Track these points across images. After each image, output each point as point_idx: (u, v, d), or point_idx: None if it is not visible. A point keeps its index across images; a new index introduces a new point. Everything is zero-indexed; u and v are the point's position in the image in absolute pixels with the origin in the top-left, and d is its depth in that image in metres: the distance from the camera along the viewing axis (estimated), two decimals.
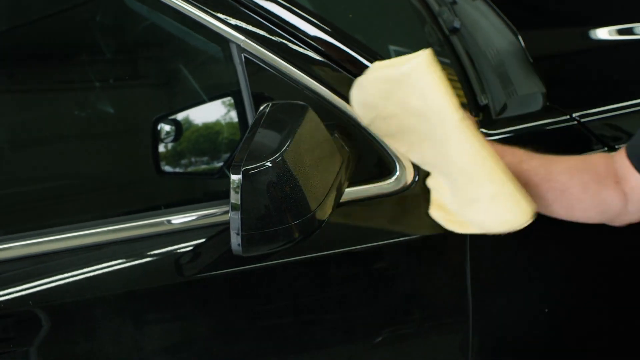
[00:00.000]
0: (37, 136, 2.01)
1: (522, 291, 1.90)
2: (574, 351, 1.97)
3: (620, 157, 1.64)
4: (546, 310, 1.90)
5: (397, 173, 1.78)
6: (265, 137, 1.55)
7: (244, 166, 1.48)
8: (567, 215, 1.68)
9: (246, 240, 1.52)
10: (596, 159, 1.68)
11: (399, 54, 2.20)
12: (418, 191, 1.78)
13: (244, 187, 1.49)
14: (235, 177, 1.48)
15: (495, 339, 1.93)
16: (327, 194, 1.61)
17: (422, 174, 1.77)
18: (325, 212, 1.61)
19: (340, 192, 1.65)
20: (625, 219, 1.67)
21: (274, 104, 1.64)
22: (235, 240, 1.52)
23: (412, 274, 1.83)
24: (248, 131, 1.57)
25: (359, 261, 1.77)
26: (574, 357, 2.00)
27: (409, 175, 1.78)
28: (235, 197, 1.49)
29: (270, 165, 1.50)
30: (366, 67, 1.76)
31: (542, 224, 1.73)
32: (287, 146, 1.54)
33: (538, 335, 1.93)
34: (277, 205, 1.53)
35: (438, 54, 2.16)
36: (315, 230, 1.61)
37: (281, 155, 1.52)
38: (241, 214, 1.50)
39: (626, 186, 1.63)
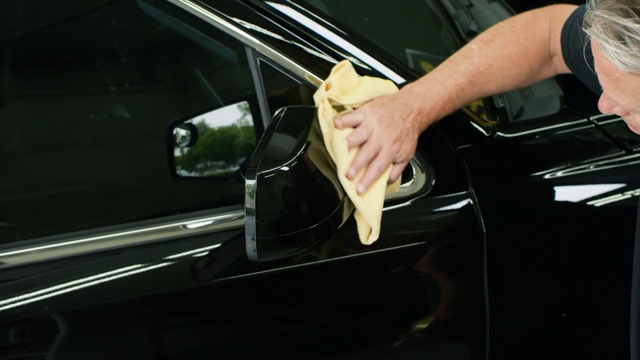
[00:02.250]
0: (53, 141, 2.01)
1: (539, 296, 1.88)
2: (593, 356, 1.96)
3: (555, 39, 1.69)
4: (564, 314, 1.89)
5: (413, 177, 1.77)
6: (281, 141, 1.55)
7: (259, 171, 1.48)
8: None
9: (261, 246, 1.51)
10: (533, 54, 1.71)
11: (415, 57, 2.20)
12: (434, 195, 1.78)
13: (259, 191, 1.48)
14: (250, 182, 1.48)
15: (512, 345, 1.91)
16: (342, 199, 1.60)
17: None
18: (341, 217, 1.60)
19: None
20: None
21: (289, 108, 1.64)
22: (250, 246, 1.52)
23: (428, 279, 1.83)
24: (263, 136, 1.57)
25: (375, 266, 1.76)
26: None
27: (425, 180, 1.77)
28: (250, 202, 1.49)
29: (286, 170, 1.50)
30: (381, 73, 1.77)
31: (563, 229, 1.74)
32: (303, 151, 1.53)
33: (556, 341, 1.92)
34: (292, 210, 1.53)
35: None
36: (331, 235, 1.61)
37: (296, 160, 1.51)
38: (256, 218, 1.49)
39: (558, 64, 1.73)
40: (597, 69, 1.23)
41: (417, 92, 1.66)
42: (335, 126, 1.61)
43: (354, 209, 1.64)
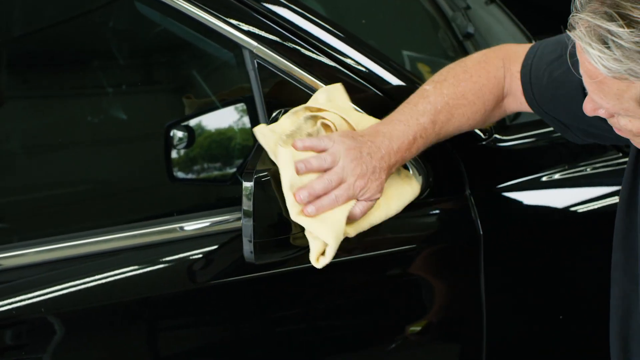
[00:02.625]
0: (50, 142, 2.01)
1: (536, 298, 1.89)
2: (589, 358, 1.96)
3: (512, 80, 1.68)
4: (561, 317, 1.89)
5: None
6: None
7: (256, 173, 1.48)
8: None
9: (258, 248, 1.51)
10: (489, 92, 1.68)
11: (412, 59, 2.20)
12: (431, 198, 1.78)
13: (256, 194, 1.48)
14: (247, 184, 1.48)
15: (509, 347, 1.92)
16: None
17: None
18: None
19: None
20: None
21: (287, 110, 1.64)
22: (247, 248, 1.52)
23: (426, 281, 1.83)
24: None
25: (372, 268, 1.76)
26: None
27: (422, 182, 1.77)
28: (247, 204, 1.49)
29: None
30: (378, 75, 1.77)
31: (559, 231, 1.74)
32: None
33: (552, 343, 1.92)
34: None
35: (451, 59, 2.16)
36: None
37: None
38: (254, 221, 1.49)
39: (508, 106, 1.72)
40: (581, 71, 1.23)
41: (383, 131, 1.60)
42: (294, 146, 1.55)
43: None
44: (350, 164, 1.52)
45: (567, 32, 1.19)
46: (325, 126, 1.62)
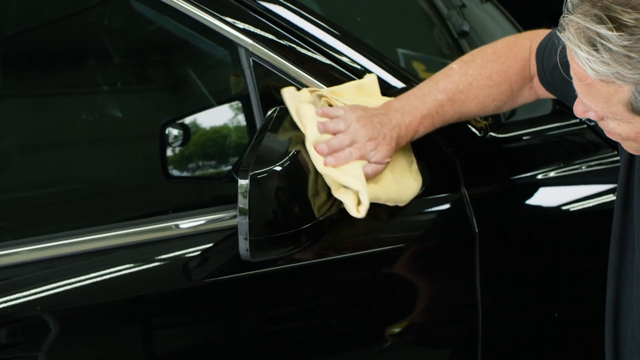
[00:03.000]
0: (45, 140, 2.01)
1: (531, 296, 1.89)
2: (585, 357, 1.96)
3: (533, 59, 1.70)
4: (556, 315, 1.90)
5: None
6: (273, 141, 1.55)
7: (251, 171, 1.48)
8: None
9: (254, 245, 1.51)
10: (514, 73, 1.70)
11: (407, 57, 2.20)
12: (427, 195, 1.78)
13: (252, 191, 1.48)
14: (243, 182, 1.48)
15: (504, 345, 1.92)
16: (335, 199, 1.60)
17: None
18: (333, 217, 1.61)
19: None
20: None
21: (282, 108, 1.64)
22: (243, 245, 1.52)
23: (421, 279, 1.83)
24: (256, 136, 1.57)
25: (368, 266, 1.76)
26: None
27: (426, 182, 1.77)
28: (243, 202, 1.49)
29: (278, 170, 1.50)
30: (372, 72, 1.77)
31: (555, 229, 1.73)
32: (295, 151, 1.53)
33: (547, 341, 1.92)
34: (285, 210, 1.53)
35: (447, 57, 2.16)
36: (323, 235, 1.61)
37: (289, 160, 1.51)
38: (249, 218, 1.49)
39: (538, 88, 1.72)
40: (571, 73, 1.23)
41: (396, 106, 1.67)
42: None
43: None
44: (361, 129, 1.61)
45: (557, 32, 1.19)
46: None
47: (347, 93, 1.73)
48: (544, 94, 1.74)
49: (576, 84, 1.23)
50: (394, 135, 1.64)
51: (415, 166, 1.76)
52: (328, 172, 1.59)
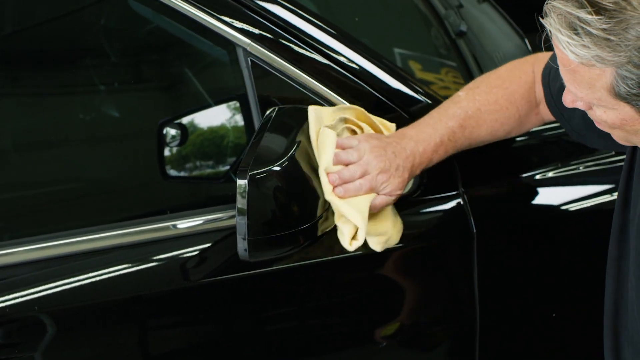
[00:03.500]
0: (42, 140, 2.00)
1: (529, 296, 1.89)
2: (582, 357, 1.96)
3: (538, 85, 1.70)
4: (554, 315, 1.90)
5: None
6: (272, 141, 1.55)
7: (250, 171, 1.48)
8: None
9: (253, 246, 1.51)
10: (520, 98, 1.71)
11: (405, 57, 2.20)
12: (425, 196, 1.78)
13: (251, 192, 1.48)
14: (241, 182, 1.48)
15: (502, 345, 1.92)
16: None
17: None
18: (331, 217, 1.60)
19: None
20: None
21: (280, 108, 1.63)
22: (241, 245, 1.51)
23: (419, 279, 1.83)
24: (254, 136, 1.57)
25: (366, 266, 1.76)
26: None
27: (415, 181, 1.77)
28: (241, 202, 1.48)
29: (277, 170, 1.50)
30: (371, 73, 1.78)
31: (553, 229, 1.73)
32: (294, 151, 1.53)
33: (545, 341, 1.92)
34: (283, 210, 1.53)
35: (444, 57, 2.16)
36: (322, 235, 1.60)
37: (288, 160, 1.51)
38: (248, 219, 1.49)
39: (545, 113, 1.73)
40: (558, 61, 1.25)
41: (410, 134, 1.67)
42: None
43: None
44: (374, 160, 1.60)
45: (540, 19, 1.21)
46: (351, 131, 1.70)
47: (367, 118, 1.72)
48: (551, 118, 1.74)
49: (561, 71, 1.26)
50: (407, 166, 1.63)
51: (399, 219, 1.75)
52: (334, 200, 1.59)
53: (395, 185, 1.62)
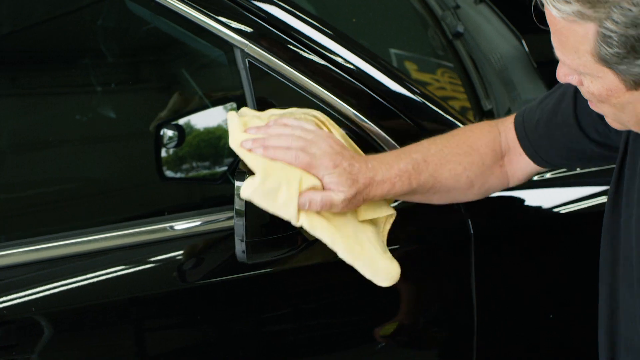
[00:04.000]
0: (39, 140, 2.00)
1: (526, 298, 1.89)
2: (580, 358, 1.96)
3: (507, 134, 1.67)
4: (551, 316, 1.90)
5: None
6: None
7: (248, 172, 1.47)
8: (448, 202, 1.71)
9: (251, 247, 1.51)
10: (484, 146, 1.66)
11: (402, 57, 2.20)
12: None
13: None
14: (239, 184, 1.47)
15: (500, 346, 1.92)
16: None
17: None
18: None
19: None
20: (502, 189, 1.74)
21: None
22: (239, 247, 1.51)
23: (417, 281, 1.83)
24: None
25: None
26: None
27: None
28: (239, 204, 1.48)
29: None
30: (368, 74, 1.77)
31: (550, 230, 1.73)
32: None
33: (542, 342, 1.92)
34: None
35: (441, 58, 2.16)
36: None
37: None
38: (246, 220, 1.49)
39: (509, 165, 1.68)
40: (548, 23, 1.27)
41: (373, 156, 1.58)
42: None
43: None
44: (324, 143, 1.50)
45: None
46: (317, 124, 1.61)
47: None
48: (523, 168, 1.68)
49: (552, 37, 1.26)
50: (367, 175, 1.51)
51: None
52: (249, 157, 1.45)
53: (343, 181, 1.47)
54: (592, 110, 1.38)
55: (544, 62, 2.17)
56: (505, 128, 1.69)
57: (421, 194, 1.62)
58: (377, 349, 1.85)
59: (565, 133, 1.57)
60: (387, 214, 1.59)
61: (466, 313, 1.82)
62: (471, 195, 1.68)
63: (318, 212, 1.47)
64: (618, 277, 1.51)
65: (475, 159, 1.65)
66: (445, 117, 1.82)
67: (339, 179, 1.47)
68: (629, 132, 1.43)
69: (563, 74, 1.32)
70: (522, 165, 1.67)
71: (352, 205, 1.50)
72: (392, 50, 2.22)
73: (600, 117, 1.46)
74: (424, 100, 1.82)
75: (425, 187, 1.60)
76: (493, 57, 2.19)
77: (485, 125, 1.71)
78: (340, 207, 1.48)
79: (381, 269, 1.54)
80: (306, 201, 1.45)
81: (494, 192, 1.72)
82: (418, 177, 1.58)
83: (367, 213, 1.56)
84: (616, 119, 1.35)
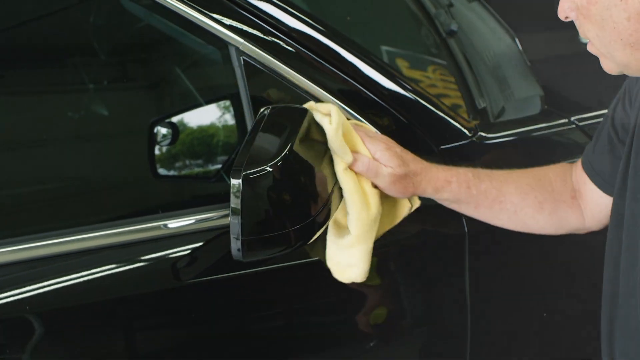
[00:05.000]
0: (31, 139, 1.99)
1: (520, 296, 1.89)
2: (573, 357, 1.97)
3: (576, 169, 1.64)
4: (545, 314, 1.90)
5: None
6: (265, 141, 1.54)
7: (244, 170, 1.47)
8: (523, 231, 1.67)
9: (246, 246, 1.50)
10: (553, 175, 1.66)
11: (394, 55, 2.19)
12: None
13: (245, 191, 1.47)
14: (235, 182, 1.47)
15: (493, 344, 1.92)
16: (327, 199, 1.60)
17: None
18: (325, 217, 1.60)
19: (340, 197, 1.64)
20: (583, 231, 1.67)
21: (274, 107, 1.63)
22: (235, 245, 1.51)
23: (411, 278, 1.83)
24: (248, 135, 1.56)
25: None
26: None
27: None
28: (235, 202, 1.47)
29: (271, 169, 1.49)
30: (362, 71, 1.77)
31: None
32: (288, 150, 1.52)
33: (535, 339, 1.93)
34: (277, 210, 1.52)
35: (435, 56, 2.16)
36: (315, 235, 1.60)
37: (281, 159, 1.50)
38: (241, 218, 1.48)
39: (582, 200, 1.63)
40: None
41: (427, 162, 1.64)
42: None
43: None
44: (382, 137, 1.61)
45: None
46: None
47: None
48: (595, 200, 1.62)
49: None
50: (419, 165, 1.60)
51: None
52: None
53: (392, 159, 1.57)
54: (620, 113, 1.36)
55: (538, 61, 2.17)
56: (576, 165, 1.66)
57: (486, 207, 1.63)
58: (368, 347, 1.84)
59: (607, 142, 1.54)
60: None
61: (460, 310, 1.83)
62: (542, 221, 1.65)
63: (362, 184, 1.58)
64: (620, 263, 1.51)
65: (544, 182, 1.64)
66: (438, 115, 1.81)
67: (390, 157, 1.56)
68: (637, 117, 1.43)
69: (561, 9, 1.31)
70: (595, 197, 1.61)
71: (400, 187, 1.58)
72: (386, 48, 2.21)
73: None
74: (417, 97, 1.82)
75: (488, 197, 1.62)
76: (487, 55, 2.19)
77: (557, 164, 1.70)
78: (387, 181, 1.57)
79: (362, 265, 1.63)
80: (354, 158, 1.55)
81: (570, 227, 1.66)
82: (478, 185, 1.61)
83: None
84: (602, 45, 1.30)
